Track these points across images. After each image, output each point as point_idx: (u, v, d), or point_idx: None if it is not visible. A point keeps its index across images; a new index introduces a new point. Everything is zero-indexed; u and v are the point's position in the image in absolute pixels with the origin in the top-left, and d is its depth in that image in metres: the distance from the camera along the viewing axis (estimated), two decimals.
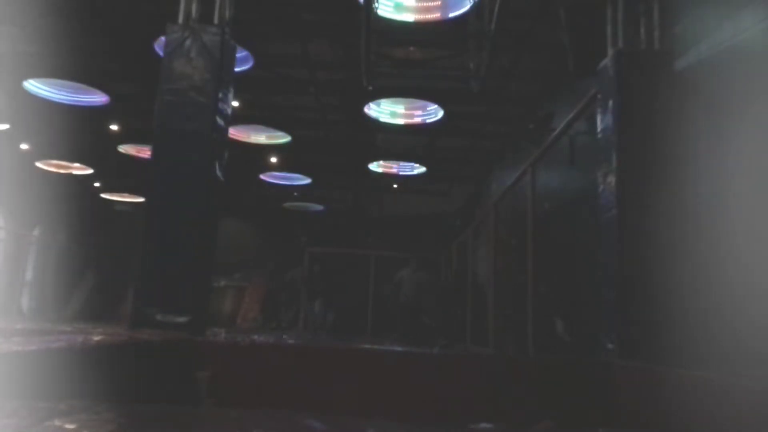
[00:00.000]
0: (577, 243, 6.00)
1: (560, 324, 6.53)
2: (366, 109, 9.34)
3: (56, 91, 9.17)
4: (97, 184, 15.06)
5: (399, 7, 6.29)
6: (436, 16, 6.28)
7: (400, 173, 13.41)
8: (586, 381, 3.46)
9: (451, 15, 6.30)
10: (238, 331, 11.66)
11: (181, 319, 3.89)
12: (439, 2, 6.24)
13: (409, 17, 6.35)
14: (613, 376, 3.40)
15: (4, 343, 2.20)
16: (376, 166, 12.93)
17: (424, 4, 6.27)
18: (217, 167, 4.27)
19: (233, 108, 5.42)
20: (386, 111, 9.51)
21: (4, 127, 10.19)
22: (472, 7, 6.14)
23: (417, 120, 9.63)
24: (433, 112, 9.47)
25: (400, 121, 9.69)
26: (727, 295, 3.25)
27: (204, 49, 4.25)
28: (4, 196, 12.45)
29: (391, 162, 12.92)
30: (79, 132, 10.94)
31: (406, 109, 9.48)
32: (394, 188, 15.29)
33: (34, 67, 8.49)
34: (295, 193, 15.78)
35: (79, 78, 8.86)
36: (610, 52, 4.16)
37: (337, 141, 12.02)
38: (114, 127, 11.13)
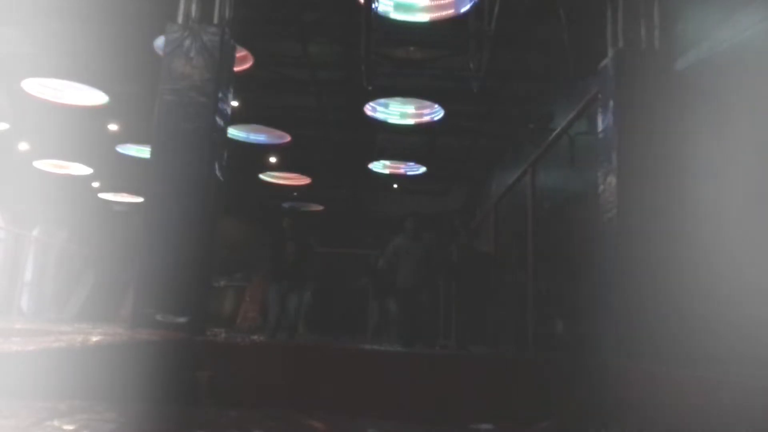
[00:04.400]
0: (577, 243, 6.00)
1: (560, 324, 6.53)
2: (372, 111, 9.27)
3: (56, 91, 9.15)
4: (96, 184, 15.04)
5: (407, 7, 6.28)
6: (450, 12, 6.26)
7: (408, 173, 13.32)
8: (586, 381, 3.46)
9: (447, 15, 6.29)
10: (238, 331, 11.63)
11: (181, 319, 3.89)
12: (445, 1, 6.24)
13: (424, 17, 6.34)
14: (613, 376, 3.39)
15: (4, 343, 2.20)
16: (380, 167, 12.88)
17: (435, 3, 6.25)
18: (217, 167, 4.27)
19: (233, 108, 5.42)
20: (396, 113, 9.38)
21: (4, 127, 10.17)
22: (472, 7, 6.14)
23: (426, 119, 9.52)
24: (438, 110, 9.44)
25: (410, 122, 9.56)
26: (726, 295, 3.25)
27: (204, 49, 4.25)
28: (4, 196, 12.45)
29: (395, 162, 12.88)
30: (79, 132, 10.93)
31: (416, 108, 9.38)
32: (394, 188, 15.28)
33: (34, 67, 8.48)
34: (295, 193, 15.78)
35: (79, 78, 8.85)
36: (610, 52, 4.16)
37: (337, 141, 12.01)
38: (114, 127, 11.12)
